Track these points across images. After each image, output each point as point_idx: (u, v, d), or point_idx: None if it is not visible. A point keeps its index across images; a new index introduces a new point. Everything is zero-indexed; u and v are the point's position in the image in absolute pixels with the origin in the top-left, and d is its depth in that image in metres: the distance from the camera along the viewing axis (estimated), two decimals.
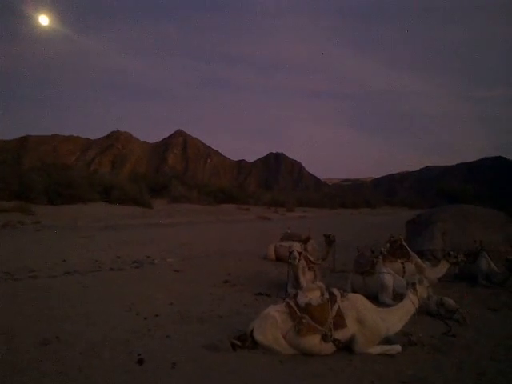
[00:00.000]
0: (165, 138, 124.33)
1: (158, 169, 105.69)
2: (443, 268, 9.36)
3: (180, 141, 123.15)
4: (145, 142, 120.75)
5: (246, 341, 4.90)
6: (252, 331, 4.94)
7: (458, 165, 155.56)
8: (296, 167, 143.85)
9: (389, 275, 7.80)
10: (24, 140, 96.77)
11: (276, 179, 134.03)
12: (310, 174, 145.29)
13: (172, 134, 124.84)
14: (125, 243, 15.30)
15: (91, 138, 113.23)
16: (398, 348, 4.97)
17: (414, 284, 5.37)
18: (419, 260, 9.48)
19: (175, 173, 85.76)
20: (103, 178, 42.45)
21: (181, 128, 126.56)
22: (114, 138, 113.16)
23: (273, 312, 5.01)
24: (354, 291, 7.44)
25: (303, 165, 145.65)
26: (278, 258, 12.27)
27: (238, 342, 4.88)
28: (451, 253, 9.47)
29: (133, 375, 4.19)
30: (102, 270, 10.02)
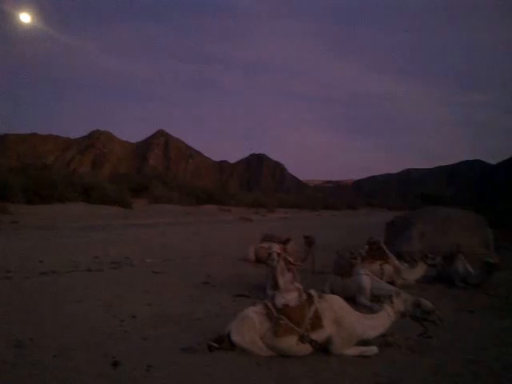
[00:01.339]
0: (146, 138, 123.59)
1: (139, 169, 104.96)
2: (421, 270, 9.47)
3: (161, 141, 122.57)
4: (126, 141, 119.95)
5: (223, 342, 4.86)
6: (229, 333, 4.91)
7: (438, 168, 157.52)
8: (278, 168, 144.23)
9: (367, 277, 7.84)
10: (2, 139, 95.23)
11: (258, 180, 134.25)
12: (292, 176, 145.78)
13: (153, 134, 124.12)
14: (103, 244, 15.15)
15: (71, 137, 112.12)
16: (374, 349, 4.99)
17: (391, 297, 5.40)
18: (397, 262, 9.57)
19: (156, 173, 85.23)
20: (83, 178, 41.98)
21: (162, 128, 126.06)
22: (95, 137, 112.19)
23: (250, 313, 4.99)
24: (332, 292, 7.45)
25: (285, 166, 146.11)
26: (258, 260, 12.23)
27: (215, 344, 4.84)
28: (429, 255, 9.59)
29: (107, 378, 4.13)
30: (80, 271, 9.89)
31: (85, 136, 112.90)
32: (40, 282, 8.56)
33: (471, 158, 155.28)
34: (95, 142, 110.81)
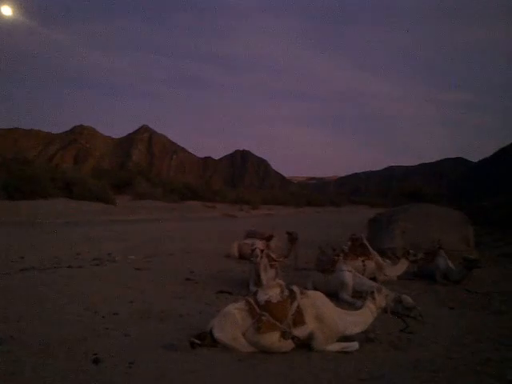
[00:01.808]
0: (129, 134, 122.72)
1: (123, 165, 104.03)
2: (403, 266, 9.56)
3: (145, 137, 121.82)
4: (109, 137, 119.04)
5: (206, 339, 4.85)
6: (211, 329, 4.90)
7: (420, 165, 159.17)
8: (262, 165, 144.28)
9: (349, 273, 7.89)
10: None
11: (242, 177, 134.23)
12: (276, 172, 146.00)
13: (137, 130, 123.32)
14: (86, 240, 15.04)
15: (53, 132, 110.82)
16: (355, 345, 5.02)
17: (372, 293, 5.43)
18: (379, 258, 9.65)
19: (140, 169, 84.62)
20: (65, 174, 41.48)
21: (146, 124, 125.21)
22: (77, 132, 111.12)
23: (232, 310, 4.99)
24: (315, 289, 7.48)
25: (269, 163, 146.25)
26: (242, 256, 12.25)
27: (197, 341, 4.83)
28: (411, 251, 9.69)
29: (88, 375, 4.09)
30: (61, 268, 9.79)
31: (67, 131, 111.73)
32: (20, 279, 8.46)
33: (453, 155, 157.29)
34: (78, 137, 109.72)
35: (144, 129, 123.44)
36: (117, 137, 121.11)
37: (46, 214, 24.58)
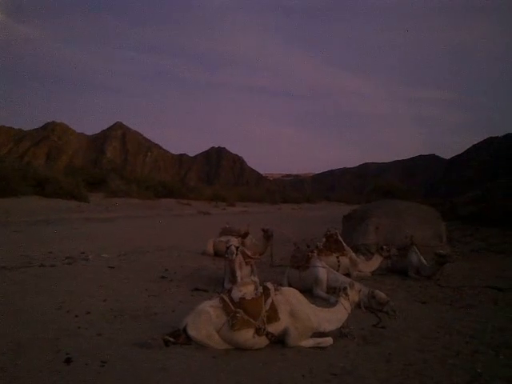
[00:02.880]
0: (103, 131, 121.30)
1: (96, 162, 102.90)
2: (376, 262, 9.68)
3: (119, 133, 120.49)
4: (82, 133, 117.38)
5: (180, 337, 4.83)
6: (185, 327, 4.89)
7: (394, 162, 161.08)
8: (238, 162, 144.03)
9: (323, 269, 7.95)
10: None
11: (217, 174, 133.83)
12: (252, 169, 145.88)
13: (111, 127, 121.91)
14: (58, 238, 14.79)
15: (25, 129, 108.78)
16: (329, 340, 5.07)
17: (345, 289, 5.49)
18: (353, 254, 9.76)
19: (114, 166, 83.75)
20: (37, 171, 40.70)
21: (120, 120, 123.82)
22: (50, 129, 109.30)
23: (207, 307, 4.98)
24: (290, 285, 7.55)
25: (245, 160, 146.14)
26: (217, 253, 12.24)
27: (171, 339, 4.81)
28: (384, 247, 9.81)
29: (60, 375, 4.03)
30: (33, 267, 9.60)
31: (39, 128, 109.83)
32: None
33: (427, 152, 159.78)
34: (50, 133, 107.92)
35: (118, 125, 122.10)
36: (90, 134, 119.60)
37: (18, 212, 24.09)
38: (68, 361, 4.33)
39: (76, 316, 5.96)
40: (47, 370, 4.14)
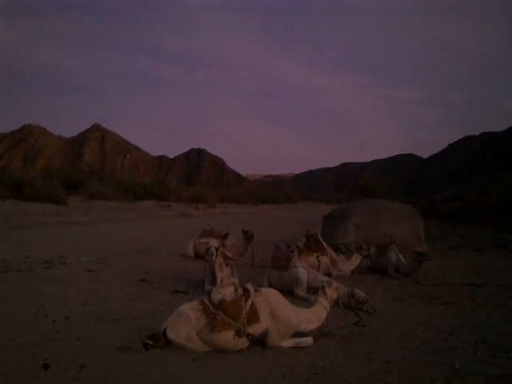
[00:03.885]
0: (81, 133, 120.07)
1: (74, 164, 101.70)
2: (356, 261, 9.74)
3: (97, 135, 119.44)
4: (60, 136, 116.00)
5: (159, 340, 4.80)
6: (165, 330, 4.85)
7: (373, 161, 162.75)
8: (218, 163, 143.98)
9: (303, 269, 7.97)
10: None
11: (198, 175, 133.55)
12: (232, 170, 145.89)
13: (89, 129, 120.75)
14: (36, 242, 14.58)
15: (1, 131, 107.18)
16: (309, 340, 5.08)
17: (323, 287, 5.51)
18: (333, 253, 9.80)
19: (92, 168, 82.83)
20: (13, 174, 39.99)
21: (98, 122, 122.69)
22: (27, 131, 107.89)
23: (186, 310, 4.94)
24: (270, 286, 7.54)
25: (225, 161, 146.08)
26: (197, 255, 12.18)
27: (151, 342, 4.77)
28: (363, 246, 9.88)
29: (37, 381, 3.98)
30: (9, 271, 9.45)
31: (16, 130, 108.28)
32: None
33: (405, 151, 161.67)
34: (27, 136, 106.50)
35: (96, 127, 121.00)
36: (68, 136, 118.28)
37: None
38: (46, 366, 4.27)
39: (54, 321, 5.88)
40: (26, 375, 4.09)
